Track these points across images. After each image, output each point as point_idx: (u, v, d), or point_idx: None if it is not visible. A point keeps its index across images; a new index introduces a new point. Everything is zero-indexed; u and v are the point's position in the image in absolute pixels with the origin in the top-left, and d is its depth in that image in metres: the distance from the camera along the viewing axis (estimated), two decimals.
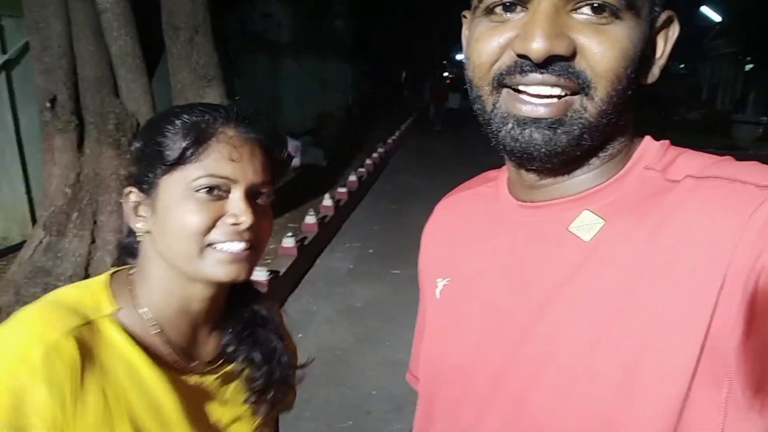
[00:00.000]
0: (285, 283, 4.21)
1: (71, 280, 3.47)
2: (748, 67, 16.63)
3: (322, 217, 5.56)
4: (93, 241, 3.73)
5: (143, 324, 0.74)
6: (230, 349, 0.84)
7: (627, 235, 0.55)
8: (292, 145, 8.44)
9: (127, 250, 0.83)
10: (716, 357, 0.49)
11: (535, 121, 0.55)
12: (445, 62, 31.00)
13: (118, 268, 0.80)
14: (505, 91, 0.57)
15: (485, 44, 0.57)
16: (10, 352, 0.62)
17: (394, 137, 11.55)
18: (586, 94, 0.54)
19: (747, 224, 0.48)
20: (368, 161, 8.66)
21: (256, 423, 0.86)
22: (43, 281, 3.49)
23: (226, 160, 0.71)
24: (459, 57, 31.97)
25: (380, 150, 9.70)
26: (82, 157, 3.81)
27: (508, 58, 0.56)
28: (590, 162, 0.60)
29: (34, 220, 4.51)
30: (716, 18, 16.68)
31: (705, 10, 16.12)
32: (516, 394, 0.59)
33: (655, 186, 0.57)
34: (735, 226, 0.49)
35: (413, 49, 20.63)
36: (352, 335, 3.63)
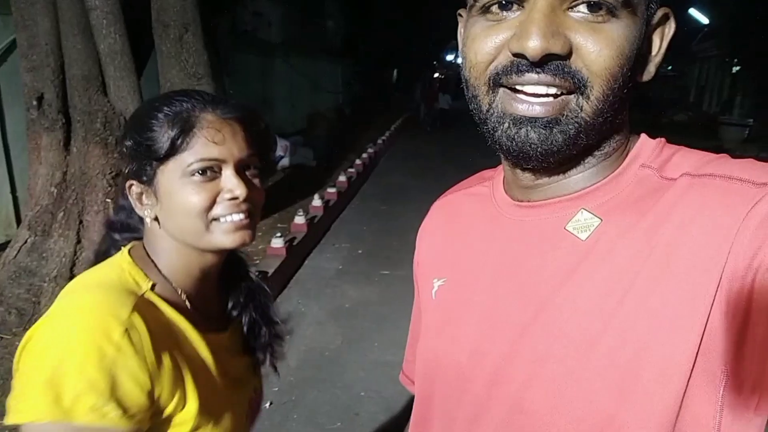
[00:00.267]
0: (274, 284, 4.18)
1: (56, 281, 3.42)
2: (735, 69, 16.82)
3: (312, 218, 5.55)
4: (79, 242, 3.68)
5: (174, 293, 0.83)
6: (236, 311, 0.96)
7: (624, 234, 0.55)
8: (282, 144, 8.41)
9: (115, 227, 0.91)
10: (712, 355, 0.49)
11: (531, 120, 0.54)
12: (435, 63, 31.04)
13: (130, 245, 0.86)
14: (501, 90, 0.57)
15: (481, 43, 0.57)
16: (91, 338, 0.68)
17: (384, 138, 11.54)
18: (582, 93, 0.54)
19: (743, 222, 0.48)
20: (358, 162, 8.65)
21: (260, 374, 0.99)
22: (28, 282, 3.44)
23: (212, 143, 0.79)
24: (449, 58, 32.08)
25: (370, 150, 9.69)
26: (69, 156, 3.76)
27: (504, 58, 0.55)
28: (586, 161, 0.60)
29: (18, 220, 4.45)
30: (704, 21, 16.85)
31: (693, 12, 16.29)
32: (514, 394, 0.58)
33: (651, 184, 0.57)
34: (731, 224, 0.49)
35: (404, 50, 20.65)
36: (341, 336, 3.62)
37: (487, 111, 0.58)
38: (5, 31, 4.27)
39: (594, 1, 0.51)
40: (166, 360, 0.75)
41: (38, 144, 3.71)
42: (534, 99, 0.54)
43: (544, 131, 0.54)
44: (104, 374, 0.68)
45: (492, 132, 0.58)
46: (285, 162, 8.39)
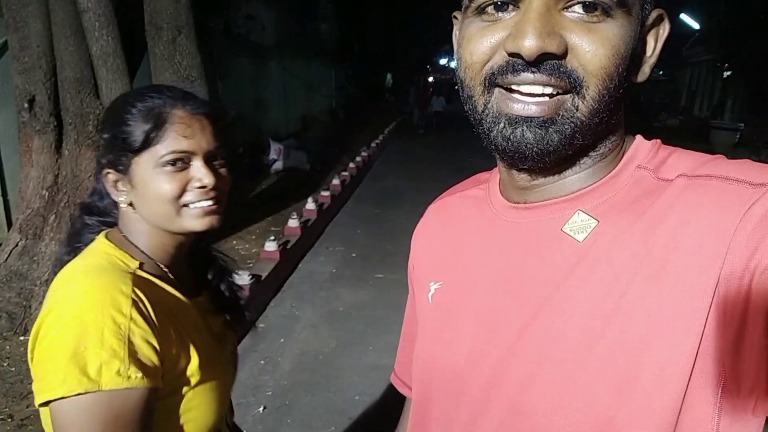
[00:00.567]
0: (267, 288, 4.17)
1: (47, 284, 3.35)
2: (726, 74, 16.94)
3: (305, 221, 5.53)
4: None
5: (157, 268, 0.92)
6: (214, 280, 1.08)
7: (621, 236, 0.55)
8: (276, 147, 8.40)
9: (88, 209, 0.99)
10: (711, 357, 0.49)
11: (527, 119, 0.54)
12: (429, 66, 31.11)
13: (105, 232, 0.94)
14: (496, 90, 0.56)
15: (477, 44, 0.57)
16: (105, 311, 0.76)
17: (377, 141, 11.54)
18: (578, 93, 0.54)
19: (740, 223, 0.48)
20: (351, 165, 8.64)
21: (231, 334, 1.09)
22: (19, 285, 3.41)
23: (182, 137, 0.87)
24: (443, 62, 32.15)
25: (364, 154, 9.69)
26: (60, 159, 3.74)
27: (499, 58, 0.55)
28: (582, 161, 0.60)
29: (9, 224, 4.42)
30: (695, 26, 16.98)
31: (684, 17, 16.41)
32: (512, 396, 0.58)
33: (647, 185, 0.57)
34: (728, 224, 0.49)
35: (398, 53, 20.69)
36: (335, 340, 3.60)
37: (483, 111, 0.58)
38: None
39: (589, 1, 0.51)
40: (168, 325, 0.84)
41: (30, 146, 3.69)
42: (530, 99, 0.54)
43: (540, 131, 0.54)
44: (122, 342, 0.75)
45: (488, 132, 0.58)
46: (279, 165, 8.37)
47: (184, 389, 0.88)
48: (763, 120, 12.12)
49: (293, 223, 5.18)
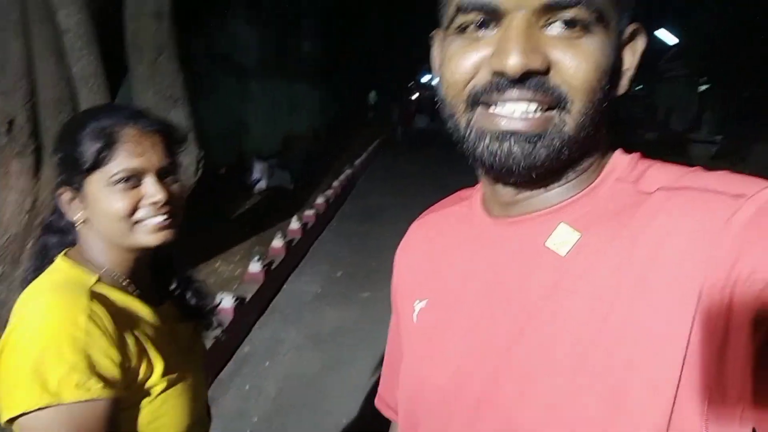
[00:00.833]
0: (251, 310, 4.12)
1: None
2: (703, 88, 17.31)
3: (290, 241, 5.49)
4: None
5: (117, 281, 0.94)
6: (180, 288, 1.10)
7: (603, 249, 0.55)
8: (259, 167, 8.36)
9: (50, 229, 1.01)
10: (697, 368, 0.48)
11: (514, 134, 0.55)
12: (412, 84, 31.39)
13: (64, 251, 0.95)
14: (480, 108, 0.57)
15: (459, 62, 0.57)
16: (62, 327, 0.78)
17: (361, 159, 11.57)
18: (564, 108, 0.54)
19: (721, 234, 0.49)
20: (335, 183, 8.63)
21: (200, 340, 1.13)
22: None
23: (133, 154, 0.89)
24: (425, 80, 32.47)
25: (347, 172, 9.69)
26: (39, 182, 3.68)
27: (483, 77, 0.55)
28: (566, 175, 0.60)
29: None
30: (672, 41, 17.37)
31: (660, 33, 16.78)
32: (503, 415, 0.57)
33: (627, 198, 0.58)
34: (709, 236, 0.49)
35: (381, 72, 20.86)
36: (320, 361, 3.56)
37: (465, 128, 0.58)
38: None
39: (570, 18, 0.52)
40: (128, 335, 0.86)
41: (8, 170, 3.61)
42: (515, 115, 0.54)
43: (527, 145, 0.55)
44: (81, 355, 0.77)
45: (473, 149, 0.58)
46: (262, 185, 8.33)
47: (151, 397, 0.89)
48: (742, 131, 12.35)
49: (277, 242, 5.15)
